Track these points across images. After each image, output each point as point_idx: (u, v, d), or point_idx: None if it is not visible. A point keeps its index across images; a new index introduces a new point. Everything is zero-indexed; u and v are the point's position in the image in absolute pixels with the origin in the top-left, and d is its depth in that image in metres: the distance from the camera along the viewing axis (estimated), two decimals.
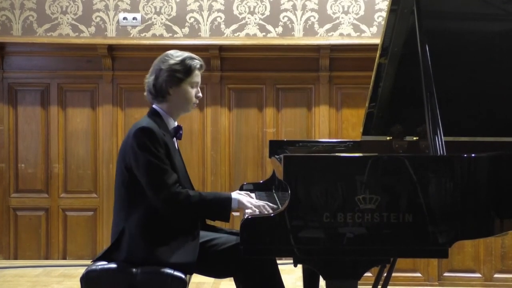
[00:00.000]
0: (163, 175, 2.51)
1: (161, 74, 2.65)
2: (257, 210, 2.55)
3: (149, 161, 2.50)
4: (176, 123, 2.74)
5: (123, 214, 2.59)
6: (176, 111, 2.72)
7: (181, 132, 2.74)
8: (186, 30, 5.27)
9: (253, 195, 2.76)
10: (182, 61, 2.66)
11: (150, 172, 2.50)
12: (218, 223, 2.78)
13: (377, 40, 3.04)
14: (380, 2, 5.23)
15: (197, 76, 2.71)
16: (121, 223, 2.58)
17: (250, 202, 2.58)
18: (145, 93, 2.74)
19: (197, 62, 2.69)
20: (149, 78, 2.70)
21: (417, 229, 2.20)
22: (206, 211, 2.60)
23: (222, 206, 2.57)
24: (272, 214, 2.23)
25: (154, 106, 2.72)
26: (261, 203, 2.60)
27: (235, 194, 2.63)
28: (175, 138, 2.73)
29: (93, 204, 5.32)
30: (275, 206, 2.63)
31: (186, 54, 2.70)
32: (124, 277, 2.50)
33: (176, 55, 2.68)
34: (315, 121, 5.25)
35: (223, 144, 5.27)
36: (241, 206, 2.58)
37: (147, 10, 5.28)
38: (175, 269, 2.49)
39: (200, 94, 2.75)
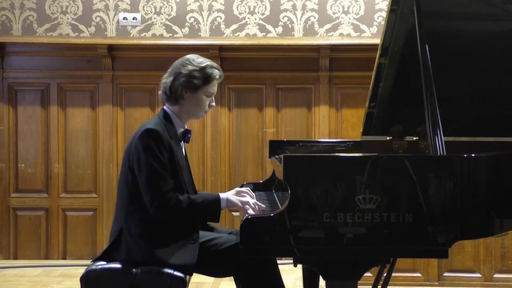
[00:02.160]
0: (160, 181, 2.50)
1: (179, 77, 2.64)
2: (248, 209, 2.56)
3: (151, 164, 2.50)
4: (185, 126, 2.74)
5: (124, 214, 2.59)
6: (187, 115, 2.72)
7: (189, 135, 2.74)
8: (186, 30, 5.27)
9: (245, 188, 2.76)
10: (202, 69, 2.65)
11: (149, 175, 2.50)
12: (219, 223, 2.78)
13: (377, 40, 3.04)
14: (380, 2, 5.23)
15: (214, 86, 2.71)
16: (121, 223, 2.59)
17: (239, 200, 2.60)
18: (160, 92, 2.73)
19: (216, 72, 2.69)
20: (167, 79, 2.68)
21: (417, 229, 2.20)
22: (196, 214, 2.59)
23: (212, 208, 2.58)
24: (272, 214, 2.23)
25: (165, 107, 2.71)
26: (251, 200, 2.61)
27: (223, 194, 2.64)
28: (182, 142, 2.73)
29: (93, 204, 5.32)
30: (263, 206, 2.65)
31: (207, 62, 2.69)
32: (124, 277, 2.50)
33: (198, 61, 2.67)
34: (315, 121, 5.25)
35: (223, 144, 5.27)
36: (230, 205, 2.61)
37: (147, 10, 5.28)
38: (174, 270, 2.49)
39: (214, 104, 2.75)
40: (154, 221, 2.53)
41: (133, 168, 2.56)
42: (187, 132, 2.72)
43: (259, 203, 2.65)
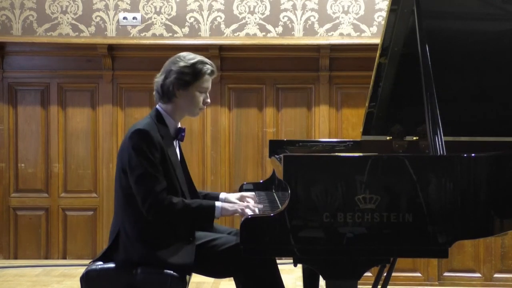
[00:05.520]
0: (152, 181, 2.48)
1: (170, 75, 2.61)
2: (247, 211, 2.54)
3: (141, 164, 2.48)
4: (179, 125, 2.72)
5: (120, 215, 2.59)
6: (181, 113, 2.69)
7: (183, 134, 2.71)
8: (186, 30, 5.27)
9: (250, 193, 2.74)
10: (193, 65, 2.61)
11: (140, 175, 2.48)
12: (219, 222, 2.77)
13: (377, 40, 3.04)
14: (380, 2, 5.23)
15: (207, 82, 2.65)
16: (118, 224, 2.59)
17: (233, 207, 2.58)
18: (154, 92, 2.70)
19: (208, 67, 2.64)
20: (159, 78, 2.66)
21: (417, 229, 2.20)
22: (189, 219, 2.56)
23: (205, 215, 2.56)
24: (272, 214, 2.23)
25: (157, 106, 2.69)
26: (243, 205, 2.60)
27: (219, 202, 2.62)
28: (176, 141, 2.72)
29: (93, 204, 5.32)
30: (260, 206, 2.64)
31: (198, 58, 2.65)
32: (124, 277, 2.51)
33: (188, 58, 2.63)
34: (315, 121, 5.25)
35: (223, 144, 5.27)
36: (225, 213, 2.58)
37: (147, 10, 5.28)
38: (172, 270, 2.49)
39: (209, 100, 2.70)
40: (150, 222, 2.52)
41: (126, 170, 2.55)
42: (180, 130, 2.70)
43: (256, 205, 2.62)
